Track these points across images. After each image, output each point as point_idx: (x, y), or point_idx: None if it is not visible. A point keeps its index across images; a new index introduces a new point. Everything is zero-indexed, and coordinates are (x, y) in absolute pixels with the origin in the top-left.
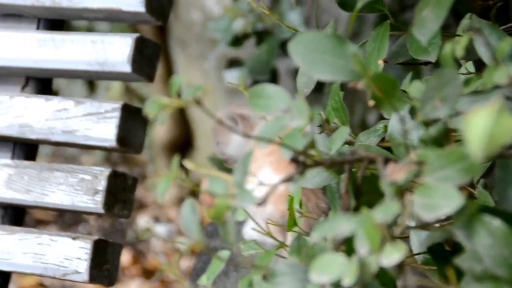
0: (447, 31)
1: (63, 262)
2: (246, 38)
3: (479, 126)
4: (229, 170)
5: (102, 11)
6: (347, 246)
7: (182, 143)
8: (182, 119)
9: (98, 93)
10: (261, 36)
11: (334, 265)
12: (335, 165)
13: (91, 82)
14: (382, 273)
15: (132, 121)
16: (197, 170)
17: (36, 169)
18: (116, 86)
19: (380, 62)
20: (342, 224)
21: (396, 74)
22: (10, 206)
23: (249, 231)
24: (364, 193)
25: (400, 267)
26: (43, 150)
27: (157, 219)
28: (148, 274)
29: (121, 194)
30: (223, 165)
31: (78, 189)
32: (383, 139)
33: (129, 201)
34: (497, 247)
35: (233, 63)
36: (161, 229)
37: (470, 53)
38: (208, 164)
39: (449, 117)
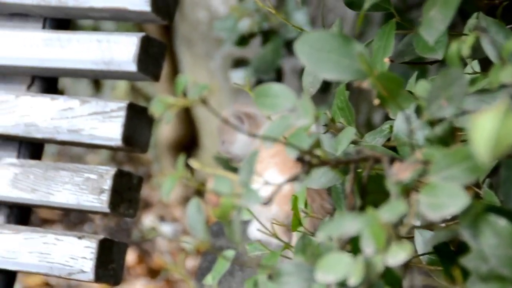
0: (454, 30)
1: (69, 262)
2: (252, 38)
3: (486, 128)
4: (234, 169)
5: (108, 11)
6: (352, 245)
7: (188, 142)
8: (187, 118)
9: (103, 92)
10: (267, 35)
11: (340, 265)
12: (341, 165)
13: (96, 81)
14: (388, 272)
15: (138, 120)
16: (203, 169)
17: (41, 168)
18: (122, 85)
19: (386, 61)
20: (348, 224)
21: (402, 73)
22: (16, 205)
23: (254, 231)
24: (370, 192)
25: (406, 266)
26: (48, 149)
27: (162, 219)
28: (153, 273)
29: (127, 193)
30: (228, 164)
31: (84, 188)
32: (389, 139)
33: (134, 200)
34: (503, 247)
35: (239, 62)
36: (166, 228)
37: (477, 51)
38: (214, 163)
39: (455, 116)
